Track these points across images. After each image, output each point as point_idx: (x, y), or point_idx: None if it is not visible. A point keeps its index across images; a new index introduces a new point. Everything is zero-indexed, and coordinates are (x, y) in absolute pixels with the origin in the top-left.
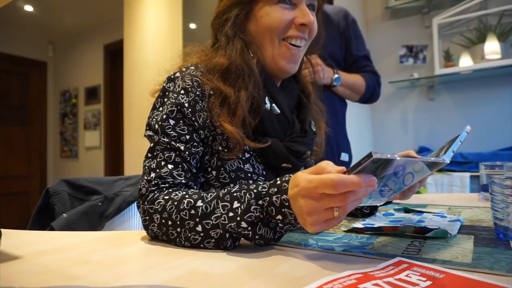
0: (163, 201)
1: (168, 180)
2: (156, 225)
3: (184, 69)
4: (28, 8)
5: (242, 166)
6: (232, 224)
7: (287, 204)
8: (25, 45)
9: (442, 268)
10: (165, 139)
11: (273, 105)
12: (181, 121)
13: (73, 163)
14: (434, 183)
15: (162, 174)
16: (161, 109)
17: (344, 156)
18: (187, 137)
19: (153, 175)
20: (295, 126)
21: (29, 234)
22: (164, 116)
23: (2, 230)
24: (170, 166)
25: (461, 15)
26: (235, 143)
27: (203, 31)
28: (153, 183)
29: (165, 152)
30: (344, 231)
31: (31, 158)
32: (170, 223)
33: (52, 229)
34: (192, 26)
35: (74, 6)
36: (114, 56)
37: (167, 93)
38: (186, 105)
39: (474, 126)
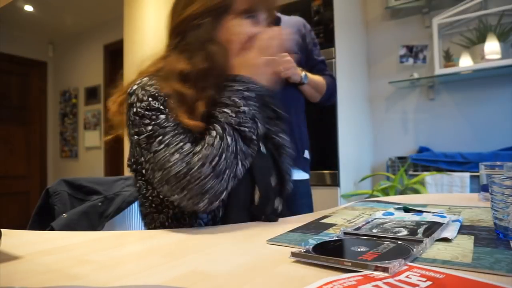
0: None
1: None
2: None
3: (139, 82)
4: (28, 8)
5: None
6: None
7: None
8: (25, 45)
9: (442, 269)
10: (163, 129)
11: None
12: (168, 116)
13: (73, 163)
14: (434, 183)
15: (184, 148)
16: (140, 115)
17: (307, 154)
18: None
19: (176, 155)
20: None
21: (29, 234)
22: (147, 121)
23: (2, 230)
24: (181, 143)
25: (461, 15)
26: (199, 133)
27: None
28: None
29: (174, 138)
30: (345, 232)
31: (31, 158)
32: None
33: (52, 229)
34: None
35: (74, 6)
36: (114, 56)
37: (134, 105)
38: (161, 107)
39: (474, 126)
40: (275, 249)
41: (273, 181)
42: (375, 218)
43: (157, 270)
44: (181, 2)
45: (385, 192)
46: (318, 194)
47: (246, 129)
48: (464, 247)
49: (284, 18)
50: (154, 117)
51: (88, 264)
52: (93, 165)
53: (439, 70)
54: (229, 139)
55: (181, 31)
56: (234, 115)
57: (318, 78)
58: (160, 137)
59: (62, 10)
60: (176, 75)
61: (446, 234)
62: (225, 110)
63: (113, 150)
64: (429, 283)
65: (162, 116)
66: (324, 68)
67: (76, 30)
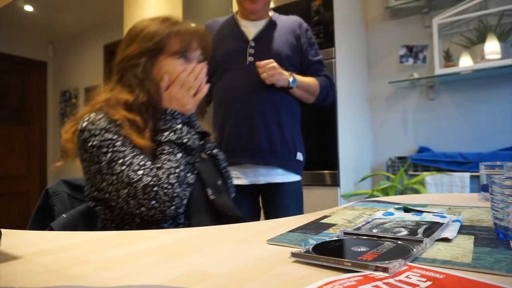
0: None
1: (147, 165)
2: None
3: (87, 118)
4: (28, 8)
5: None
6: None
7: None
8: (25, 45)
9: (442, 269)
10: (121, 153)
11: None
12: (122, 144)
13: (73, 163)
14: (434, 183)
15: (141, 168)
16: (96, 147)
17: (299, 156)
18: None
19: (139, 171)
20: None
21: (29, 234)
22: (104, 151)
23: (2, 230)
24: (141, 161)
25: (461, 15)
26: (150, 153)
27: None
28: (150, 173)
29: (134, 159)
30: (345, 232)
31: (31, 158)
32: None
33: (51, 229)
34: (192, 26)
35: (74, 6)
36: (114, 56)
37: (88, 139)
38: (114, 137)
39: (474, 126)
40: (275, 249)
41: (220, 180)
42: (375, 218)
43: (157, 270)
44: (124, 43)
45: (385, 192)
46: (318, 194)
47: (186, 140)
48: (464, 247)
49: (281, 18)
50: (110, 145)
51: (88, 264)
52: None
53: (439, 70)
54: (179, 155)
55: (121, 68)
56: (172, 133)
57: (309, 80)
58: (121, 160)
59: (62, 10)
60: (122, 104)
61: (446, 234)
62: (165, 133)
63: None
64: (429, 283)
65: (119, 143)
66: (320, 68)
67: (76, 30)
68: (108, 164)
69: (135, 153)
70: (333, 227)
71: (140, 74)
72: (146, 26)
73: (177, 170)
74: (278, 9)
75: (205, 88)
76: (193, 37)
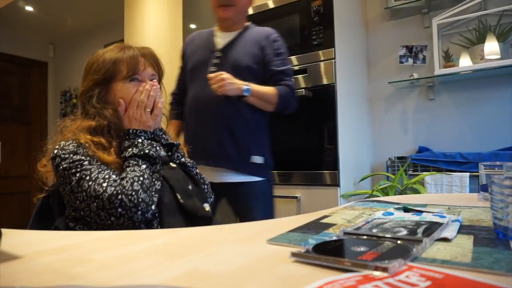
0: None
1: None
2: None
3: (57, 146)
4: (29, 8)
5: None
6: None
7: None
8: (25, 45)
9: (442, 269)
10: (88, 166)
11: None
12: (91, 160)
13: None
14: (433, 183)
15: (105, 181)
16: (66, 173)
17: (256, 159)
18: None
19: (104, 184)
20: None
21: (29, 234)
22: (73, 171)
23: (2, 230)
24: (106, 174)
25: (460, 15)
26: (117, 168)
27: None
28: (113, 184)
29: (99, 174)
30: (345, 232)
31: (31, 158)
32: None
33: (56, 228)
34: (192, 26)
35: (75, 6)
36: None
37: (59, 164)
38: (83, 157)
39: (473, 126)
40: (275, 249)
41: (191, 185)
42: (375, 218)
43: (157, 270)
44: (82, 78)
45: (385, 192)
46: (318, 194)
47: (147, 151)
48: (463, 247)
49: (254, 30)
50: (79, 165)
51: (88, 264)
52: None
53: (438, 70)
54: (143, 166)
55: (81, 101)
56: (135, 148)
57: (266, 89)
58: (88, 177)
59: (63, 10)
60: (86, 130)
61: (445, 234)
62: (128, 149)
63: None
64: (428, 283)
65: (86, 162)
66: (281, 78)
67: (77, 30)
68: (78, 182)
69: (100, 169)
70: (333, 227)
71: (96, 104)
72: (97, 59)
73: (141, 178)
74: (278, 9)
75: (160, 103)
76: (138, 58)
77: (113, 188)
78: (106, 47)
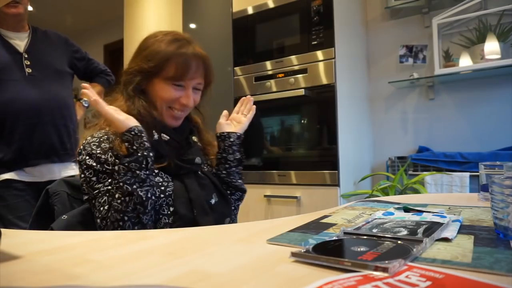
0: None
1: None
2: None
3: (84, 141)
4: (28, 8)
5: (155, 180)
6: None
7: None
8: None
9: (442, 269)
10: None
11: (162, 135)
12: (98, 176)
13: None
14: (434, 183)
15: (104, 216)
16: (87, 169)
17: None
18: (109, 180)
19: (100, 217)
20: (183, 145)
21: (29, 234)
22: (93, 178)
23: (2, 229)
24: (106, 207)
25: (460, 15)
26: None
27: (203, 31)
28: (109, 213)
29: (100, 200)
30: (345, 232)
31: None
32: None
33: (52, 230)
34: (192, 26)
35: (74, 6)
36: (114, 56)
37: (82, 163)
38: (94, 163)
39: (473, 126)
40: (275, 249)
41: (214, 199)
42: (375, 218)
43: (157, 270)
44: (134, 53)
45: (385, 192)
46: (318, 194)
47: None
48: (464, 247)
49: (52, 32)
50: (91, 178)
51: (88, 264)
52: None
53: (438, 70)
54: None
55: (122, 79)
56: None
57: (97, 89)
58: (97, 201)
59: (62, 10)
60: None
61: (446, 234)
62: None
63: None
64: (428, 283)
65: (94, 178)
66: (92, 65)
67: (76, 30)
68: (93, 191)
69: (105, 197)
70: (333, 227)
71: (131, 92)
72: (153, 44)
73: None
74: (278, 9)
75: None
76: (191, 63)
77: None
78: (165, 31)
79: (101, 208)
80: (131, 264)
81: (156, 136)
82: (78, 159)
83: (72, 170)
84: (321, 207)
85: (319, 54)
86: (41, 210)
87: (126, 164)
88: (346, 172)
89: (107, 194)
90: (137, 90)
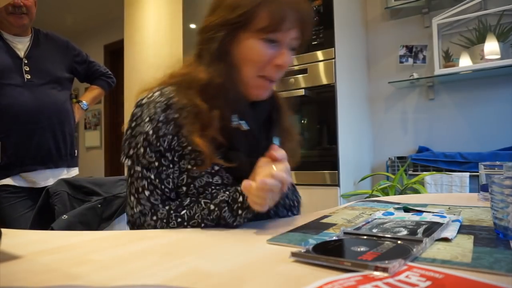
0: (152, 222)
1: (147, 205)
2: None
3: (150, 95)
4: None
5: (211, 180)
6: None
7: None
8: None
9: (442, 269)
10: (138, 168)
11: (241, 121)
12: (148, 149)
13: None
14: (434, 183)
15: (141, 201)
16: (132, 133)
17: (76, 153)
18: (156, 163)
19: (134, 202)
20: (261, 142)
21: (29, 234)
22: (134, 144)
23: (2, 229)
24: (146, 193)
25: (460, 15)
26: (203, 159)
27: None
28: (135, 210)
29: (139, 181)
30: (345, 232)
31: None
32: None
33: (52, 230)
34: (192, 26)
35: (74, 6)
36: (114, 56)
37: (135, 118)
38: (151, 132)
39: (473, 126)
40: (275, 249)
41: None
42: (375, 218)
43: (157, 270)
44: (208, 9)
45: (385, 192)
46: (318, 194)
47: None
48: (463, 247)
49: (55, 36)
50: (134, 144)
51: (88, 264)
52: (93, 165)
53: (438, 70)
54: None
55: (199, 40)
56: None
57: (95, 92)
58: (130, 172)
59: (62, 10)
60: (196, 86)
61: (446, 234)
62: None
63: (113, 150)
64: (428, 283)
65: (141, 150)
66: (94, 67)
67: (76, 30)
68: (129, 169)
69: (148, 174)
70: (333, 227)
71: (215, 51)
72: None
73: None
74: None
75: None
76: (289, 12)
77: (139, 217)
78: None
79: (137, 195)
80: (131, 264)
81: (235, 122)
82: (133, 111)
83: (64, 175)
84: (321, 207)
85: (319, 54)
86: (42, 210)
87: (209, 218)
88: (346, 172)
89: (148, 181)
90: (221, 51)
